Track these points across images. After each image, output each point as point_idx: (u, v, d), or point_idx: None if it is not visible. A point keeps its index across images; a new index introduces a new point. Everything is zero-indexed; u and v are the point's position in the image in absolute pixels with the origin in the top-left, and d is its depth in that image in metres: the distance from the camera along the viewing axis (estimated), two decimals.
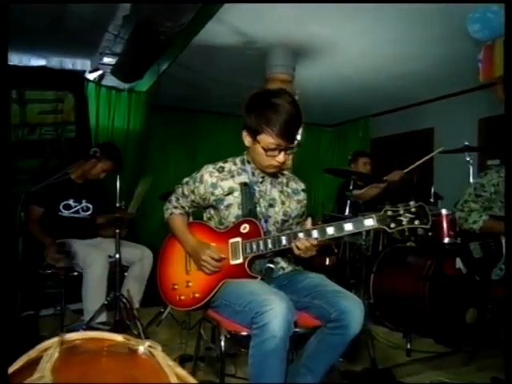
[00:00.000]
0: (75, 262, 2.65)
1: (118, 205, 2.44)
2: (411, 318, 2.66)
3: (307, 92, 4.38)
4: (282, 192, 1.75)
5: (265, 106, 1.55)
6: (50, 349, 0.74)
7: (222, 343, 1.50)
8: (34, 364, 0.64)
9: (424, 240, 3.06)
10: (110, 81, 5.18)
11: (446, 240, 2.92)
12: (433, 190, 3.59)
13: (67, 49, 4.69)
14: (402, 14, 3.49)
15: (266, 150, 1.56)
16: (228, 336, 1.50)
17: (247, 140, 1.64)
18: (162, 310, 2.92)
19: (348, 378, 2.04)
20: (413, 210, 1.46)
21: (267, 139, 1.54)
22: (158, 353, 0.72)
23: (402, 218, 1.46)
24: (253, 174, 1.71)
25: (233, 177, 1.70)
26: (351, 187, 2.78)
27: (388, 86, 5.38)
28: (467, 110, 5.42)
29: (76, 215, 2.83)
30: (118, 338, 0.86)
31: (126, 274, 2.88)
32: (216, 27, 3.90)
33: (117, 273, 2.46)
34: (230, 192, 1.67)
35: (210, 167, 1.72)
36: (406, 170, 3.67)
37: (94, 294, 2.55)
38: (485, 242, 2.29)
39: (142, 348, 0.73)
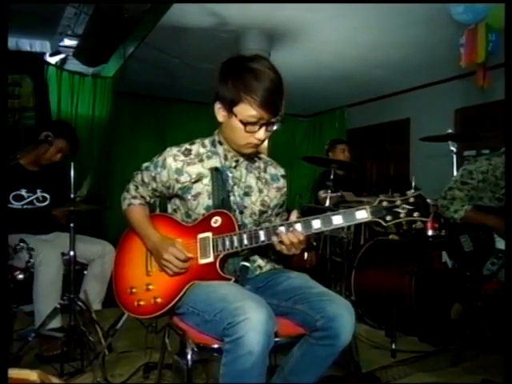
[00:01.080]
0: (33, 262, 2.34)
1: (72, 196, 2.15)
2: (396, 315, 2.50)
3: (282, 80, 4.14)
4: (259, 178, 1.51)
5: (243, 71, 1.31)
6: None
7: (189, 357, 1.26)
8: None
9: (407, 233, 2.90)
10: (74, 65, 4.86)
11: (430, 232, 2.77)
12: (413, 181, 3.45)
13: (23, 28, 4.30)
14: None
15: (244, 123, 1.31)
16: (195, 349, 1.26)
17: (221, 114, 1.38)
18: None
19: None
20: (411, 200, 1.26)
21: (247, 110, 1.30)
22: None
23: (399, 210, 1.25)
24: (225, 158, 1.46)
25: (201, 161, 1.45)
26: (332, 177, 2.58)
27: (364, 74, 5.27)
28: (443, 100, 5.36)
29: (30, 206, 2.51)
30: (33, 376, 0.63)
31: (85, 272, 2.60)
32: (186, 6, 3.64)
33: (71, 272, 2.17)
34: (199, 179, 1.42)
35: (173, 150, 1.45)
36: (358, 199, 3.48)
37: (47, 296, 2.26)
38: (476, 234, 2.13)
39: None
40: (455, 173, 3.08)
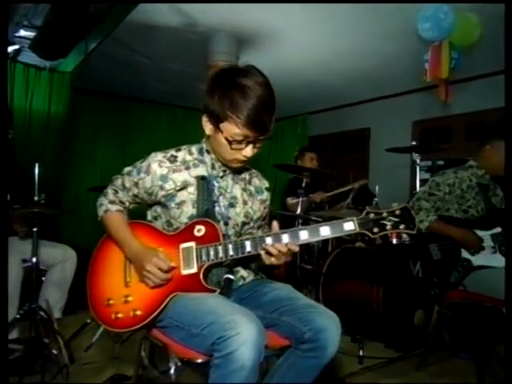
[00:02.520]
0: None
1: (36, 198, 2.01)
2: (363, 322, 2.54)
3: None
4: (244, 190, 1.48)
5: (230, 86, 1.26)
6: None
7: (172, 371, 1.21)
8: None
9: (372, 240, 2.97)
10: (29, 57, 4.59)
11: (394, 241, 2.84)
12: (377, 189, 3.53)
13: None
14: (348, 8, 3.39)
15: (230, 141, 1.28)
16: (179, 364, 1.21)
17: (208, 128, 1.34)
18: (89, 321, 2.52)
19: None
20: (397, 212, 1.28)
21: (232, 129, 1.26)
22: None
23: (385, 222, 1.27)
24: (212, 167, 1.42)
25: (188, 168, 1.39)
26: (303, 185, 2.60)
27: (328, 82, 5.35)
28: (402, 111, 5.54)
29: None
30: None
31: (43, 278, 2.45)
32: (155, 4, 3.54)
33: (33, 280, 2.04)
34: (184, 187, 1.37)
35: (158, 155, 1.39)
36: (328, 194, 3.68)
37: None
38: (443, 243, 2.21)
39: None
40: (418, 182, 3.20)
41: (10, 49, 4.60)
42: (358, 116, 6.13)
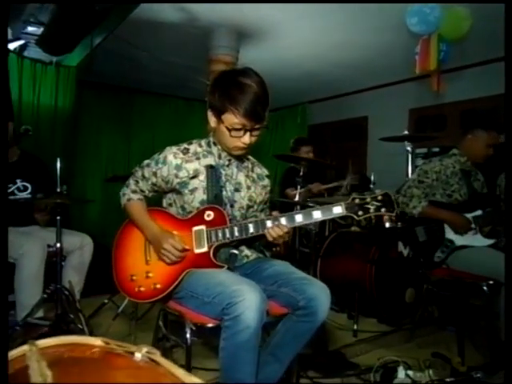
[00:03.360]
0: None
1: (58, 190, 2.22)
2: (358, 299, 2.76)
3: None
4: (247, 176, 1.70)
5: (230, 84, 1.49)
6: (25, 359, 0.63)
7: (188, 335, 1.43)
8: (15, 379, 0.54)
9: (367, 225, 3.17)
10: (35, 52, 4.73)
11: (388, 225, 3.05)
12: (372, 177, 3.71)
13: None
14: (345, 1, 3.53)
15: (230, 130, 1.50)
16: (193, 328, 1.43)
17: (212, 120, 1.56)
18: (106, 301, 2.76)
19: (303, 361, 2.07)
20: (379, 198, 1.48)
21: (231, 119, 1.48)
22: (161, 359, 0.64)
23: (369, 206, 1.48)
24: (219, 157, 1.64)
25: (198, 159, 1.61)
26: (301, 173, 2.79)
27: (326, 73, 5.48)
28: (399, 100, 5.67)
29: (11, 197, 2.55)
30: (97, 341, 0.76)
31: (63, 263, 2.67)
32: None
33: (58, 263, 2.25)
34: (196, 175, 1.58)
35: (173, 148, 1.62)
36: (325, 187, 3.82)
37: (30, 288, 2.33)
38: (429, 226, 2.41)
39: (139, 355, 0.65)
40: (410, 169, 3.38)
41: (17, 44, 4.72)
42: (357, 105, 6.24)
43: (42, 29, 4.36)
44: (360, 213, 1.48)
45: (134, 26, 4.12)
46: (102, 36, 4.41)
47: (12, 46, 4.69)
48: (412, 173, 3.23)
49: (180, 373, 0.59)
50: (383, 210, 1.47)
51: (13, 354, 0.68)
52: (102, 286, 2.80)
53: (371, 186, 3.66)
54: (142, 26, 4.17)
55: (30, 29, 4.45)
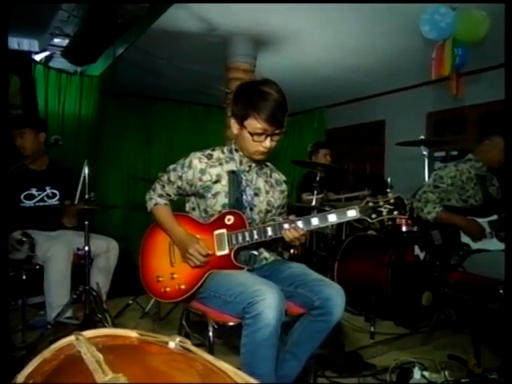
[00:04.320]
0: (34, 255, 2.52)
1: (87, 196, 2.34)
2: (374, 302, 2.80)
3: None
4: (266, 182, 1.79)
5: (252, 93, 1.59)
6: (74, 346, 0.72)
7: (211, 333, 1.52)
8: (69, 365, 0.63)
9: (384, 229, 3.22)
10: (60, 63, 4.90)
11: (404, 228, 3.08)
12: (389, 181, 3.74)
13: (13, 27, 4.36)
14: (361, 7, 3.57)
15: (252, 134, 1.59)
16: (216, 327, 1.52)
17: (235, 127, 1.66)
18: (131, 302, 2.87)
19: (321, 362, 2.13)
20: (392, 201, 1.55)
21: (254, 124, 1.57)
22: (192, 347, 0.72)
23: (381, 209, 1.54)
24: (240, 163, 1.73)
25: (221, 164, 1.71)
26: (318, 179, 2.85)
27: (343, 78, 5.51)
28: (416, 103, 5.65)
29: (41, 203, 2.69)
30: (133, 333, 0.85)
31: (90, 266, 2.79)
32: (177, 12, 3.82)
33: (86, 266, 2.38)
34: (218, 179, 1.68)
35: (198, 153, 1.72)
36: (339, 196, 3.83)
37: (58, 289, 2.45)
38: (444, 230, 2.45)
39: (172, 343, 0.73)
40: (426, 174, 3.40)
41: (43, 55, 4.91)
42: (374, 109, 6.25)
43: (67, 40, 4.54)
44: (373, 216, 1.54)
45: (154, 37, 4.25)
46: (124, 47, 4.56)
47: (38, 57, 4.87)
48: (429, 177, 3.26)
49: (210, 358, 0.67)
50: (395, 212, 1.53)
51: (60, 343, 0.78)
52: (126, 288, 2.92)
53: (388, 190, 3.70)
54: (162, 37, 4.29)
55: (55, 40, 4.63)
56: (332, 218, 1.56)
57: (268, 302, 1.34)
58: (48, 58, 5.00)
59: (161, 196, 1.79)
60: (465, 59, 3.41)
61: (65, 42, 4.56)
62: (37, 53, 4.84)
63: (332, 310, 1.50)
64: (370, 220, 1.54)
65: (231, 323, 1.49)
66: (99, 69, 5.12)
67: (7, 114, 3.86)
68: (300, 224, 1.57)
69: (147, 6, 3.79)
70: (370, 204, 1.55)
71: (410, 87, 5.73)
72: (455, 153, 5.32)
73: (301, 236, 1.56)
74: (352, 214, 1.55)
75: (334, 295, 1.51)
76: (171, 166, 1.76)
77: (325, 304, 1.50)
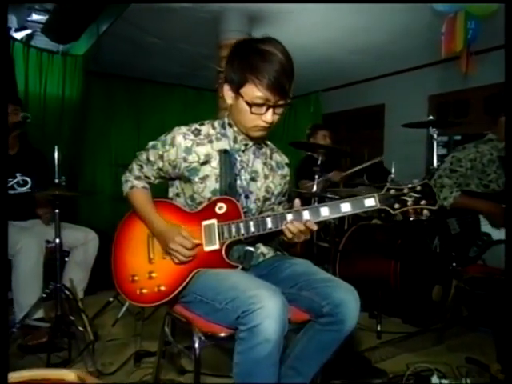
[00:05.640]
0: None
1: (57, 181, 2.05)
2: (381, 298, 2.56)
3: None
4: (265, 164, 1.49)
5: (250, 52, 1.28)
6: None
7: (197, 345, 1.24)
8: None
9: (389, 217, 2.96)
10: (42, 41, 4.59)
11: (411, 218, 2.82)
12: (393, 167, 3.48)
13: None
14: None
15: (250, 105, 1.28)
16: (202, 338, 1.24)
17: (229, 96, 1.35)
18: (111, 299, 2.60)
19: (325, 368, 1.88)
20: (418, 188, 1.27)
21: (253, 91, 1.27)
22: None
23: (406, 198, 1.27)
24: (234, 141, 1.42)
25: (211, 142, 1.41)
26: (319, 162, 2.59)
27: (340, 59, 5.28)
28: (417, 86, 5.43)
29: (11, 192, 2.40)
30: (70, 376, 0.59)
31: (66, 259, 2.51)
32: None
33: (57, 260, 2.09)
34: (207, 160, 1.38)
35: (182, 128, 1.41)
36: (345, 173, 3.53)
37: (27, 286, 2.18)
38: (462, 217, 2.19)
39: None
40: (435, 157, 3.14)
41: (23, 33, 4.61)
42: (372, 92, 6.04)
43: (47, 16, 4.23)
44: (396, 206, 1.27)
45: (140, 10, 3.96)
46: (109, 22, 4.27)
47: (19, 35, 4.56)
48: (437, 161, 3.00)
49: None
50: (423, 202, 1.26)
51: None
52: (109, 282, 2.65)
53: (391, 175, 3.44)
54: (150, 10, 3.99)
55: (35, 17, 4.34)
56: (346, 207, 1.28)
57: (267, 312, 1.06)
58: (29, 37, 4.69)
59: (138, 178, 1.49)
60: (477, 33, 3.15)
61: (45, 18, 4.26)
62: (17, 30, 4.52)
63: (344, 318, 1.22)
64: (392, 211, 1.27)
65: (222, 334, 1.21)
66: (83, 48, 4.83)
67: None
68: (306, 215, 1.28)
69: None
70: (392, 192, 1.28)
71: (410, 69, 5.50)
72: (458, 137, 5.11)
73: (306, 229, 1.28)
74: (370, 203, 1.27)
75: (347, 299, 1.23)
76: (151, 143, 1.46)
77: (336, 310, 1.22)
